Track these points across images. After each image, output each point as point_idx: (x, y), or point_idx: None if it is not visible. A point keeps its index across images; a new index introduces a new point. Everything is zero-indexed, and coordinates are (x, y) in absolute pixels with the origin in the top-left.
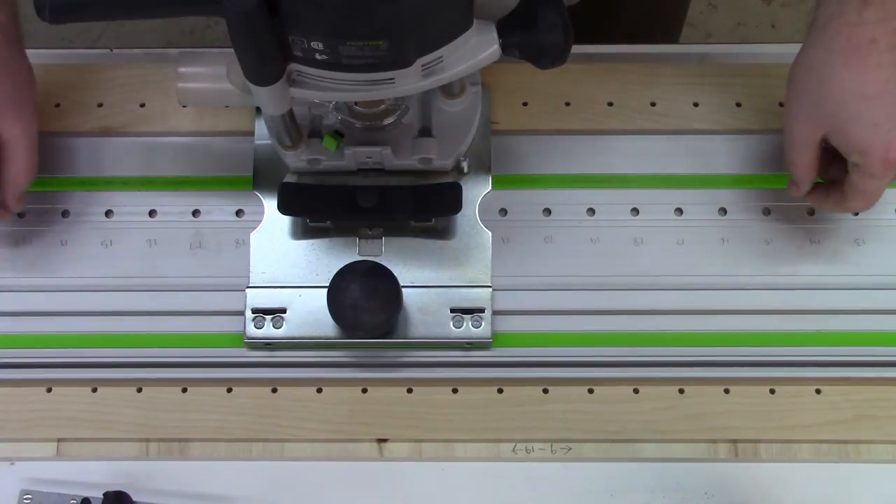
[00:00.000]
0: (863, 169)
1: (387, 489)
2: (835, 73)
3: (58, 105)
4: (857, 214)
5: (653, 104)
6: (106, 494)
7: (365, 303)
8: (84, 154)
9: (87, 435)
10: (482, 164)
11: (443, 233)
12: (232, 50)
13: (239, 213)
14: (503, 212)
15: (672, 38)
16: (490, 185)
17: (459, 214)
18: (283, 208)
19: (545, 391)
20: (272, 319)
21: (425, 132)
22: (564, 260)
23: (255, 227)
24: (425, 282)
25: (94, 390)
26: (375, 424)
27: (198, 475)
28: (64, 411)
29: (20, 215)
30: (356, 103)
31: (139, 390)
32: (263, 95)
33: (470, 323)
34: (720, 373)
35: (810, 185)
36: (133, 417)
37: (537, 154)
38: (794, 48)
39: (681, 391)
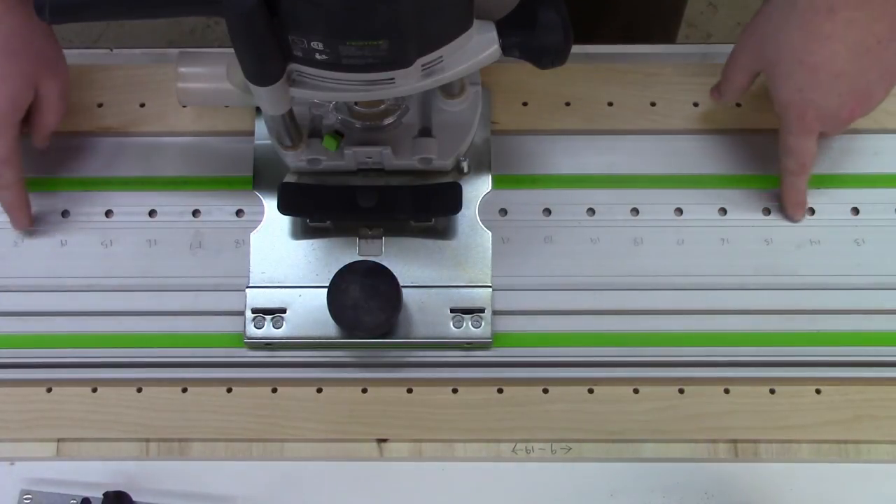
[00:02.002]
0: (782, 123)
1: (387, 489)
2: (787, 31)
3: None
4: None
5: (653, 104)
6: (106, 494)
7: (365, 303)
8: (84, 154)
9: (87, 435)
10: (482, 164)
11: (443, 233)
12: (232, 50)
13: (239, 213)
14: (503, 212)
15: (670, 35)
16: (490, 185)
17: (459, 214)
18: (283, 208)
19: (545, 391)
20: (272, 319)
21: (425, 132)
22: (564, 260)
23: (255, 227)
24: (425, 282)
25: (94, 390)
26: (375, 424)
27: (198, 475)
28: (64, 411)
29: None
30: (356, 103)
31: (139, 390)
32: (263, 95)
33: (470, 323)
34: (720, 373)
35: (731, 100)
36: (133, 417)
37: (537, 154)
38: None
39: (681, 391)
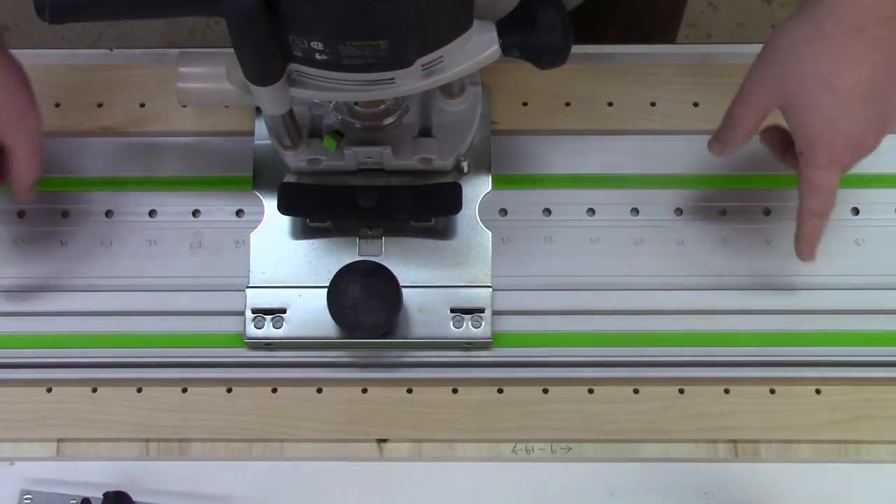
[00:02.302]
0: (807, 158)
1: (387, 489)
2: (812, 55)
3: (58, 105)
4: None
5: (653, 104)
6: (106, 494)
7: (365, 303)
8: (84, 154)
9: (87, 435)
10: (482, 164)
11: (443, 233)
12: (232, 50)
13: (239, 213)
14: (503, 212)
15: (670, 36)
16: (490, 185)
17: (459, 214)
18: (283, 208)
19: (545, 391)
20: (272, 319)
21: (425, 132)
22: (564, 260)
23: (255, 227)
24: (425, 282)
25: (94, 390)
26: (375, 424)
27: (198, 475)
28: (64, 411)
29: (20, 214)
30: (356, 103)
31: (139, 390)
32: (263, 95)
33: (470, 323)
34: (720, 373)
35: (736, 147)
36: (133, 417)
37: (537, 154)
38: None
39: (681, 391)
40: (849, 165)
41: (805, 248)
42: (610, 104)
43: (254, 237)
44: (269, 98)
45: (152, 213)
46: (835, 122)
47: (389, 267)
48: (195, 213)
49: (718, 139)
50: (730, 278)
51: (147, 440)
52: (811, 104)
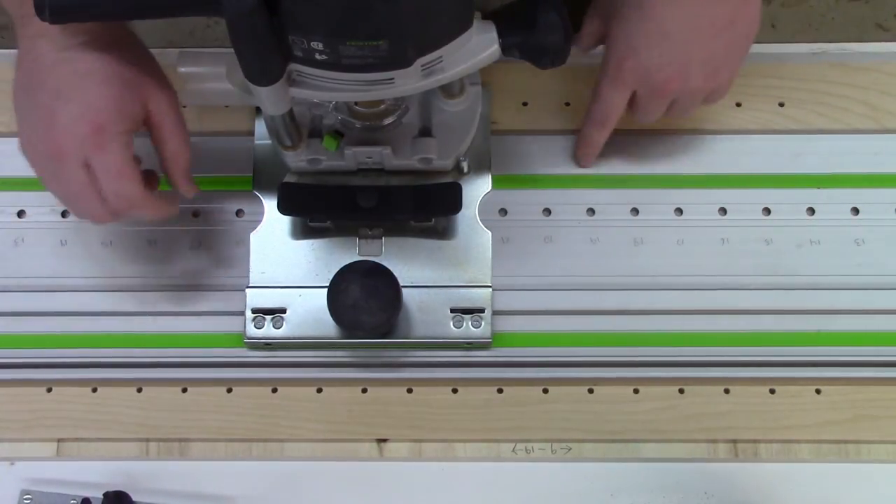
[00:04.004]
0: (602, 69)
1: (387, 489)
2: None
3: None
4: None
5: None
6: (106, 494)
7: (365, 303)
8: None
9: (87, 435)
10: (482, 164)
11: (443, 233)
12: (232, 50)
13: (239, 213)
14: (503, 212)
15: None
16: (490, 185)
17: (459, 214)
18: (283, 208)
19: (545, 391)
20: (272, 319)
21: (425, 132)
22: (564, 260)
23: (255, 227)
24: (425, 282)
25: (94, 390)
26: (375, 424)
27: (198, 475)
28: (64, 411)
29: (20, 215)
30: (356, 103)
31: (139, 390)
32: (263, 95)
33: (470, 323)
34: (720, 373)
35: (586, 47)
36: (133, 417)
37: (537, 154)
38: (795, 48)
39: (681, 391)
40: (637, 91)
41: (582, 150)
42: None
43: (254, 237)
44: (269, 98)
45: None
46: (630, 40)
47: (389, 267)
48: (195, 213)
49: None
50: (730, 278)
51: (147, 440)
52: (619, 17)
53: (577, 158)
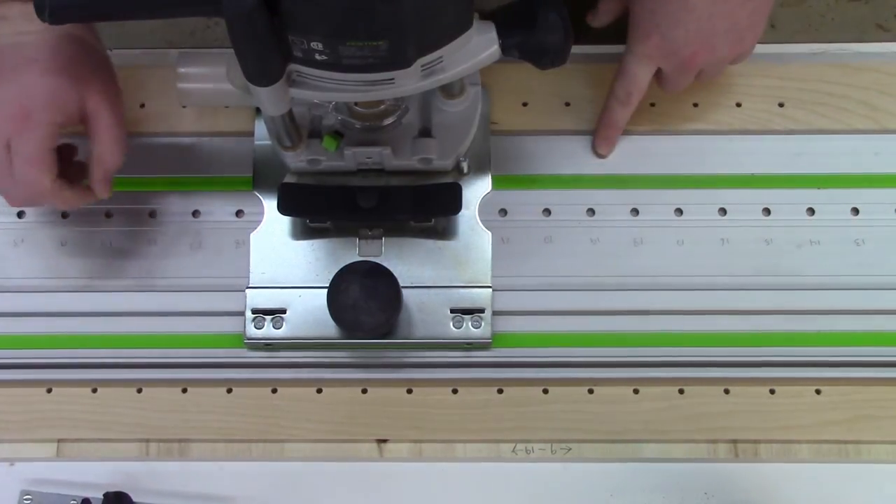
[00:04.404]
0: (627, 45)
1: (387, 489)
2: None
3: None
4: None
5: (653, 104)
6: (106, 495)
7: (365, 303)
8: (84, 154)
9: (87, 435)
10: (482, 164)
11: (443, 233)
12: (232, 50)
13: (239, 213)
14: (503, 212)
15: None
16: (490, 185)
17: (459, 214)
18: (283, 209)
19: (545, 391)
20: (272, 320)
21: (425, 132)
22: (564, 260)
23: (255, 228)
24: (425, 282)
25: (94, 390)
26: (375, 425)
27: (198, 475)
28: (64, 411)
29: (20, 215)
30: (356, 103)
31: (139, 390)
32: (263, 95)
33: (470, 323)
34: (720, 373)
35: (604, 20)
36: (133, 418)
37: (537, 154)
38: (795, 48)
39: (681, 391)
40: (663, 67)
41: (602, 132)
42: None
43: (254, 237)
44: (269, 98)
45: (152, 213)
46: (654, 15)
47: (389, 267)
48: (195, 213)
49: (591, 12)
50: (730, 278)
51: (147, 440)
52: None
53: (597, 143)
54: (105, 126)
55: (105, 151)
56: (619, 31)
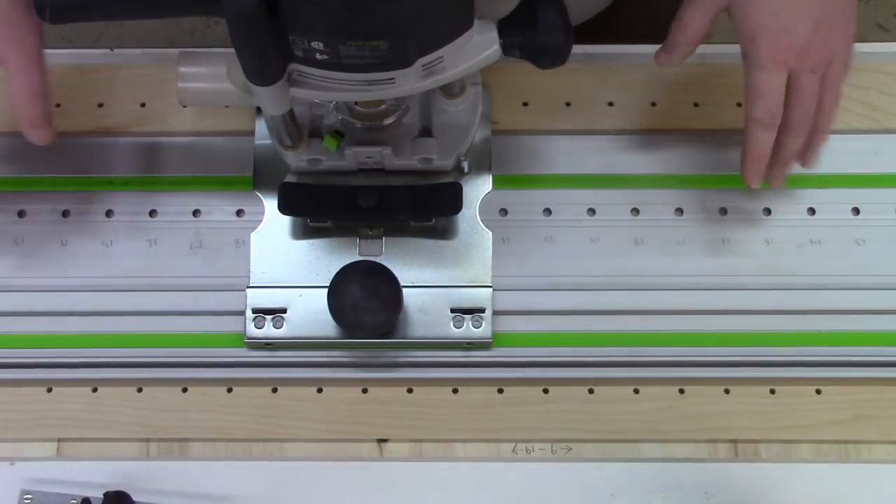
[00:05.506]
0: (751, 58)
1: (387, 489)
2: None
3: (58, 105)
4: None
5: (653, 104)
6: (106, 494)
7: (365, 303)
8: (84, 154)
9: (87, 435)
10: (482, 164)
11: (443, 233)
12: (232, 50)
13: (239, 213)
14: (503, 212)
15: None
16: (490, 185)
17: (459, 214)
18: (284, 208)
19: (545, 391)
20: (272, 319)
21: (425, 132)
22: (564, 260)
23: (255, 227)
24: (425, 282)
25: (94, 390)
26: (375, 424)
27: (198, 475)
28: (64, 411)
29: (20, 214)
30: (357, 103)
31: (139, 390)
32: (263, 95)
33: (470, 323)
34: (720, 373)
35: (683, 56)
36: (133, 417)
37: (537, 154)
38: None
39: (681, 391)
40: (794, 70)
41: (750, 166)
42: (610, 104)
43: (254, 237)
44: (270, 98)
45: (152, 213)
46: (778, 15)
47: (390, 267)
48: (195, 213)
49: (666, 47)
50: (730, 278)
51: (147, 440)
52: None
53: (747, 180)
54: (23, 78)
55: (22, 97)
56: (619, 31)
